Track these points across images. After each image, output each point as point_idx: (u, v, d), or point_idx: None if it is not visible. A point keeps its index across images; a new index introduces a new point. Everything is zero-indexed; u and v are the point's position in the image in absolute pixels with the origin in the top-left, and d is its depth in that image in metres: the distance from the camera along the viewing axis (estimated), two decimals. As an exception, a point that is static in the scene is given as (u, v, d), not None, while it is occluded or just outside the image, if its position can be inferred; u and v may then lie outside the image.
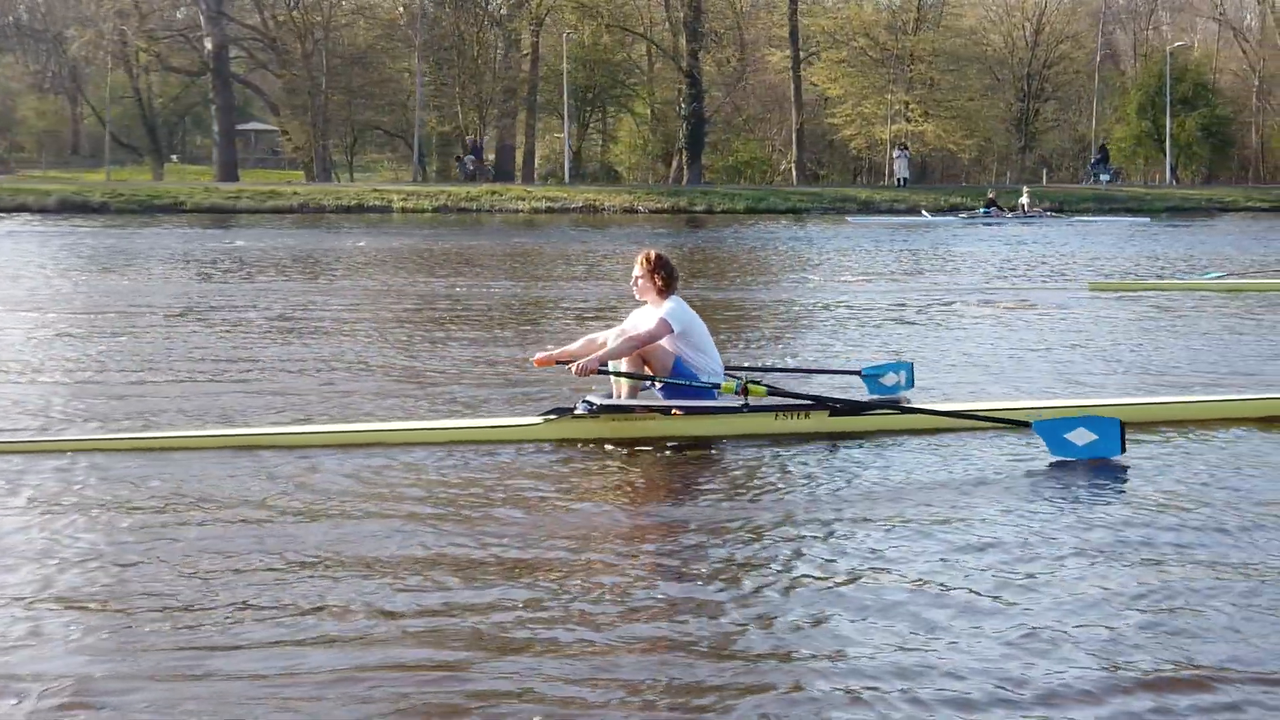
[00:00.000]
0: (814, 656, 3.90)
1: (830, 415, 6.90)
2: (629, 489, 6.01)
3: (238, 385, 8.66)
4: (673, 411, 6.85)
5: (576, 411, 6.77)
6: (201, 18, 50.66)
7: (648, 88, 58.01)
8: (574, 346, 7.16)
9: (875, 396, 7.49)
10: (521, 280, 17.52)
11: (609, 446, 6.65)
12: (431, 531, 5.13)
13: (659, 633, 4.08)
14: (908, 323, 12.53)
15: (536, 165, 59.44)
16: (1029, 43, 61.90)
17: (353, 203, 40.37)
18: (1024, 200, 35.04)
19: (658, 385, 6.91)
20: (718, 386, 6.79)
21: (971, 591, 4.45)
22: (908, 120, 52.96)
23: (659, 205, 42.34)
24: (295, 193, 41.11)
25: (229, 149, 51.68)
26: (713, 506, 5.61)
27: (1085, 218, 37.22)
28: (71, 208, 38.00)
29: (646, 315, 7.09)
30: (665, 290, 7.07)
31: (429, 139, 57.15)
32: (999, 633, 4.07)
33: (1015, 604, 4.32)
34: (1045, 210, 35.53)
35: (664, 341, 6.90)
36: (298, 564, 4.73)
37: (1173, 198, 47.03)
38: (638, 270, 7.14)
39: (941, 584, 4.52)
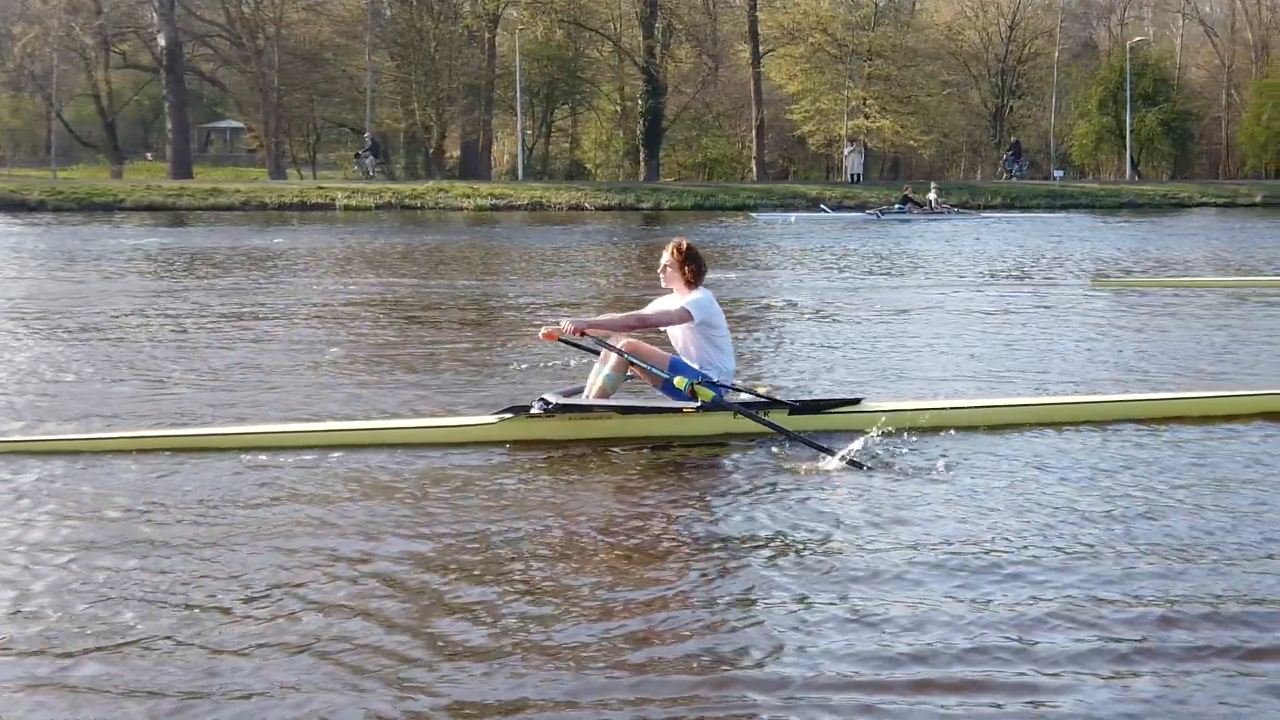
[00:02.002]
0: (775, 659, 3.88)
1: (789, 414, 6.81)
2: (584, 491, 5.84)
3: (149, 387, 8.37)
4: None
5: (533, 410, 6.60)
6: (154, 14, 50.27)
7: (612, 84, 57.69)
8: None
9: (834, 396, 7.44)
10: (448, 279, 17.22)
11: (565, 447, 6.50)
12: (370, 536, 5.01)
13: (608, 639, 4.01)
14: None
15: (505, 163, 59.18)
16: (1004, 38, 61.77)
17: (295, 200, 40.06)
18: (932, 197, 34.80)
19: (653, 380, 6.76)
20: (727, 388, 6.75)
21: (933, 586, 4.48)
22: (866, 117, 52.67)
23: (606, 202, 42.07)
24: (238, 190, 40.80)
25: (183, 146, 51.30)
26: (671, 507, 5.52)
27: (992, 214, 37.14)
28: (7, 206, 37.64)
29: (670, 302, 7.07)
30: (693, 281, 7.06)
31: (395, 136, 56.86)
32: (965, 627, 4.10)
33: (980, 598, 4.37)
34: (952, 207, 35.43)
35: (685, 329, 6.90)
36: (220, 571, 4.63)
37: (1127, 194, 46.79)
38: (667, 258, 7.08)
39: (900, 577, 4.57)
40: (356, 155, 49.97)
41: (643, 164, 53.84)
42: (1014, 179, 48.03)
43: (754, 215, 36.20)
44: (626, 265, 20.31)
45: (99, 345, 10.39)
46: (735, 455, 6.44)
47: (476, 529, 5.15)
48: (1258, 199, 46.66)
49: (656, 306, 7.16)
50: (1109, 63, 56.25)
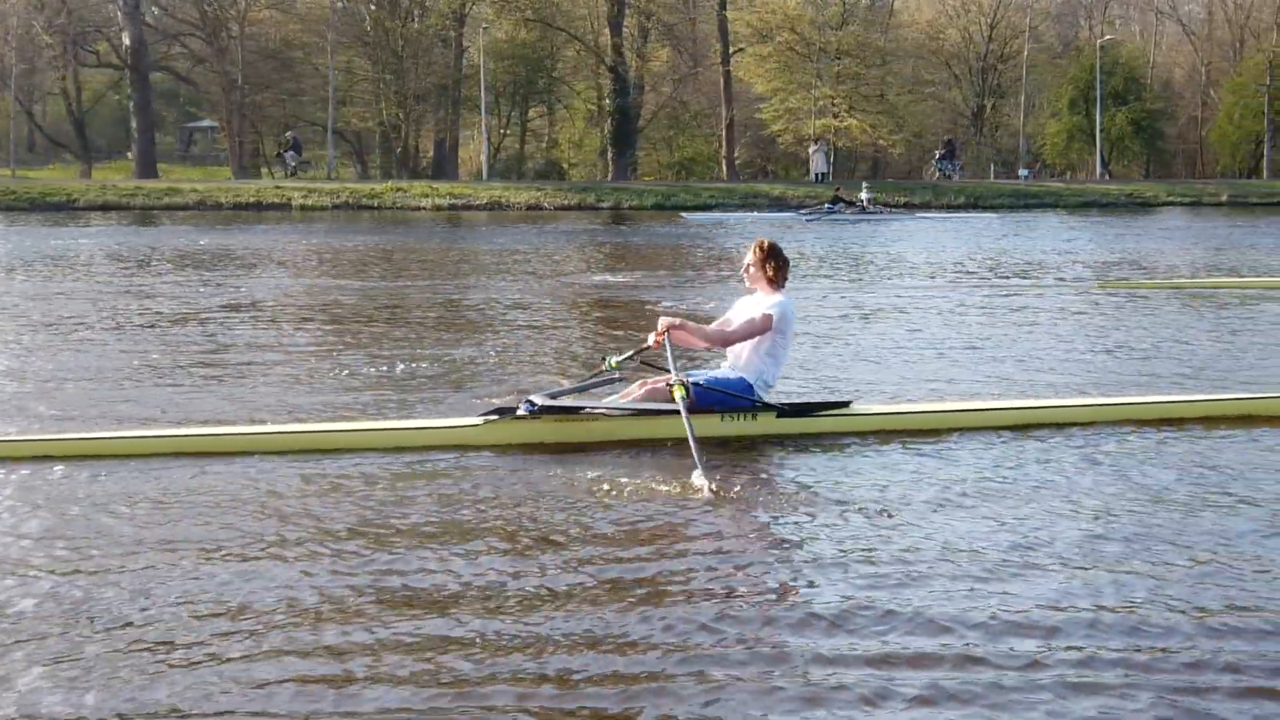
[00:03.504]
0: (765, 659, 3.91)
1: (778, 417, 6.80)
2: (568, 494, 5.74)
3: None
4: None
5: (519, 412, 6.55)
6: (118, 12, 49.99)
7: (585, 84, 57.43)
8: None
9: (823, 399, 7.44)
10: (388, 280, 17.01)
11: (551, 449, 6.44)
12: (351, 541, 4.97)
13: (594, 645, 4.00)
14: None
15: (480, 162, 58.82)
16: (985, 37, 61.56)
17: (252, 200, 39.79)
18: (864, 197, 34.56)
19: (692, 379, 6.65)
20: (757, 403, 6.75)
21: (922, 589, 4.50)
22: (835, 116, 52.45)
23: (565, 202, 41.84)
24: (194, 190, 40.54)
25: (147, 146, 50.97)
26: (654, 509, 5.47)
27: (926, 214, 36.97)
28: (-43, 205, 37.42)
29: (754, 304, 7.00)
30: (776, 280, 7.02)
31: (371, 136, 56.61)
32: (955, 630, 4.13)
33: (979, 599, 4.39)
34: (885, 207, 35.20)
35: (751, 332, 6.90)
36: (202, 575, 4.60)
37: (1092, 193, 46.54)
38: (750, 258, 7.05)
39: (885, 582, 4.57)
40: (279, 154, 49.34)
41: (610, 163, 53.61)
42: (949, 178, 47.81)
43: (684, 216, 35.94)
44: (550, 262, 20.11)
45: None
46: (723, 457, 6.37)
47: (461, 531, 5.13)
48: (1224, 198, 46.50)
49: (738, 310, 7.09)
50: (1079, 61, 56.01)
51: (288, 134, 49.43)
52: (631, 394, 6.90)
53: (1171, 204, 45.85)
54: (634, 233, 29.76)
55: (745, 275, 7.11)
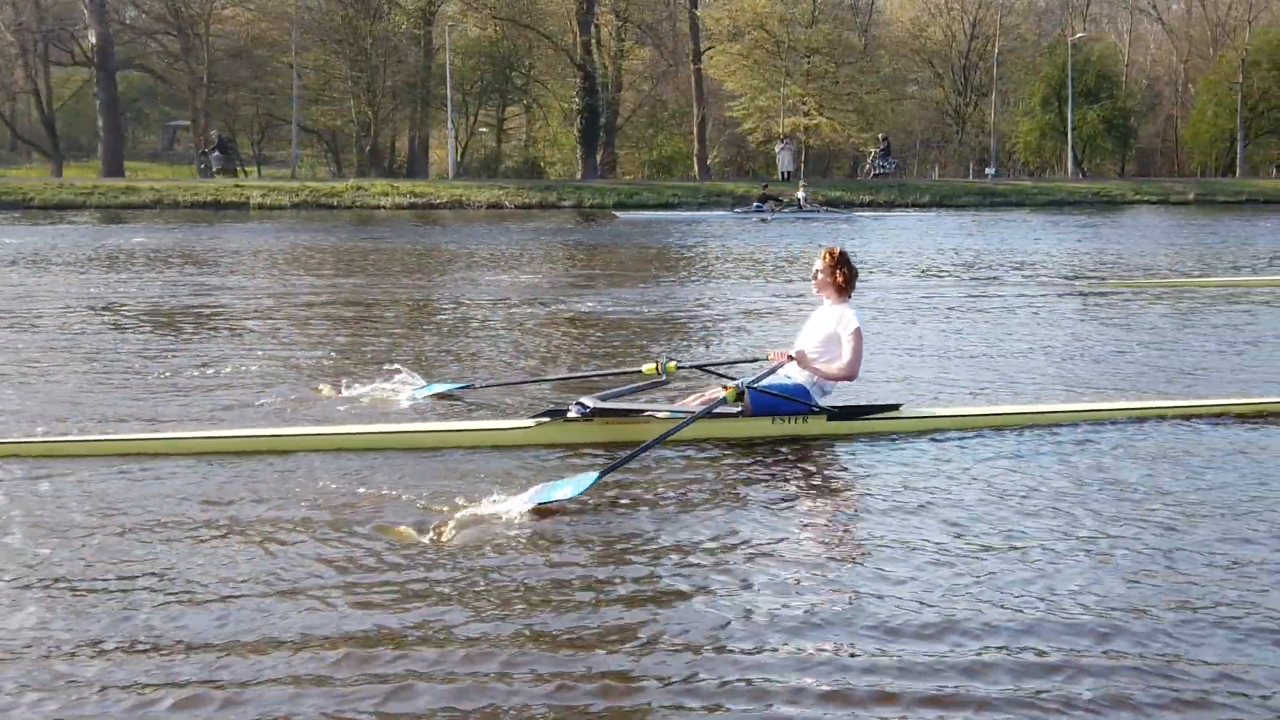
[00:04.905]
0: (832, 662, 3.88)
1: (828, 420, 6.85)
2: (621, 493, 5.68)
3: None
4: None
5: (569, 414, 6.64)
6: (85, 10, 49.77)
7: (557, 82, 57.23)
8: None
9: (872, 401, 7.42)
10: (330, 278, 16.84)
11: (602, 450, 6.42)
12: (410, 538, 4.98)
13: (662, 643, 3.99)
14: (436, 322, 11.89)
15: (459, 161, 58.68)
16: (967, 34, 61.41)
17: (210, 198, 39.60)
18: (801, 195, 34.36)
19: (750, 384, 6.69)
20: (811, 407, 6.81)
21: (967, 596, 4.43)
22: (806, 115, 52.30)
23: (526, 200, 41.66)
24: (152, 189, 40.35)
25: (114, 144, 50.71)
26: (713, 510, 5.44)
27: (867, 212, 36.83)
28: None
29: (829, 319, 6.98)
30: (845, 289, 7.03)
31: (348, 135, 56.37)
32: (1005, 633, 4.08)
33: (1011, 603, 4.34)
34: (821, 205, 35.00)
35: (824, 344, 6.94)
36: (283, 566, 4.65)
37: (1059, 191, 46.42)
38: (819, 264, 7.06)
39: (941, 584, 4.53)
40: (202, 153, 48.59)
41: (580, 162, 53.45)
42: (884, 175, 47.70)
43: (616, 214, 35.78)
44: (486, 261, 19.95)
45: None
46: (774, 458, 6.40)
47: (510, 531, 5.11)
48: (1190, 196, 46.38)
49: (815, 324, 7.06)
50: (1052, 59, 55.86)
51: (213, 133, 48.53)
52: (689, 403, 6.99)
53: (1139, 202, 45.73)
54: (568, 232, 29.57)
55: (813, 282, 7.14)
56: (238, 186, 41.51)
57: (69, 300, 13.92)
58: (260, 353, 9.89)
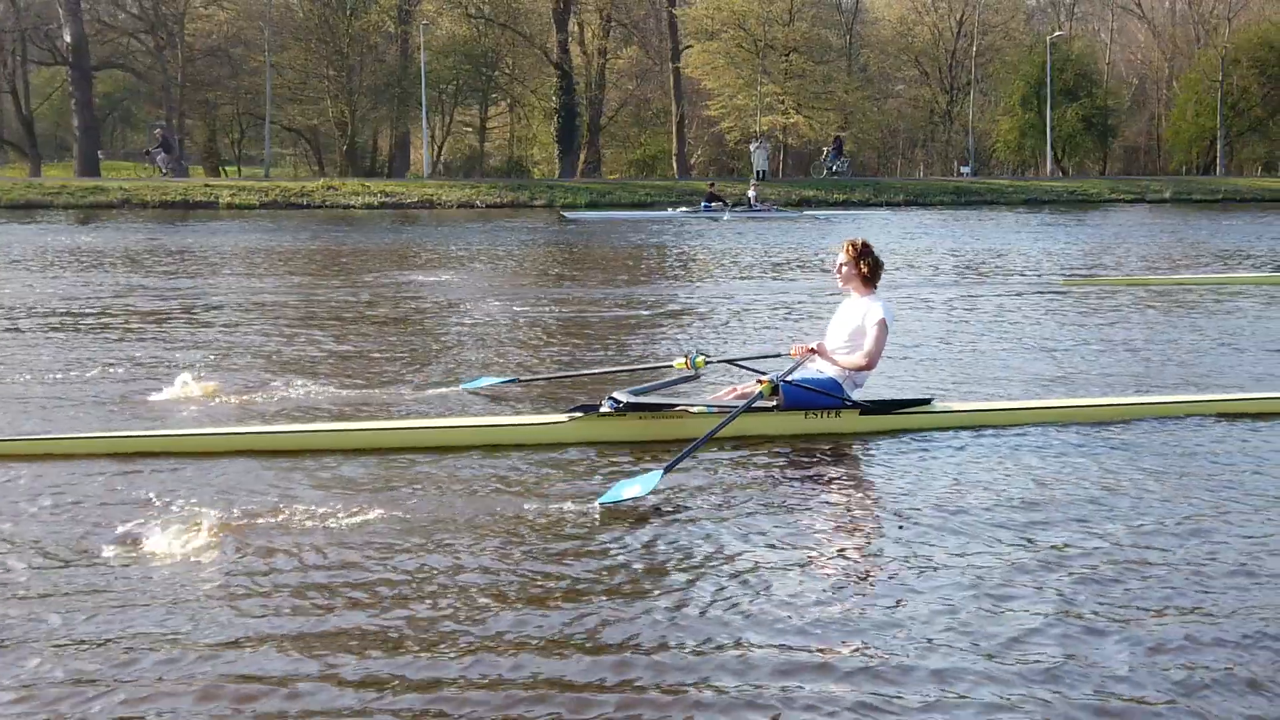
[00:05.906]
0: (869, 656, 3.88)
1: (861, 414, 6.83)
2: (661, 493, 5.67)
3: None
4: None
5: (602, 410, 6.66)
6: (60, 9, 49.57)
7: (537, 81, 57.04)
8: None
9: (904, 396, 7.42)
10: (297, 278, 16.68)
11: (635, 445, 6.47)
12: (449, 533, 5.06)
13: (706, 638, 4.02)
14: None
15: (440, 159, 58.51)
16: (954, 33, 61.26)
17: (178, 198, 39.40)
18: (751, 194, 34.21)
19: (783, 379, 6.66)
20: (844, 402, 6.78)
21: (1008, 591, 4.44)
22: (784, 114, 52.16)
23: (498, 200, 41.50)
24: (120, 189, 40.11)
25: (89, 143, 50.47)
26: (751, 508, 5.46)
27: (817, 211, 36.71)
28: None
29: (856, 311, 6.92)
30: (870, 280, 6.96)
31: (330, 134, 56.16)
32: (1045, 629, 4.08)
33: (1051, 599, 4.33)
34: (773, 206, 34.88)
35: (851, 338, 6.89)
36: (325, 558, 4.75)
37: (1034, 190, 46.28)
38: (842, 257, 6.99)
39: (970, 573, 4.57)
40: (146, 152, 47.75)
41: (558, 161, 53.30)
42: (834, 174, 47.58)
43: (564, 214, 35.61)
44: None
45: None
46: (809, 454, 6.41)
47: (543, 526, 5.16)
48: (1167, 195, 46.26)
49: (841, 317, 6.99)
50: (1031, 58, 55.73)
51: (156, 130, 47.41)
52: (722, 398, 6.97)
53: (1115, 201, 45.61)
54: (511, 231, 29.41)
55: (838, 275, 7.05)
56: (207, 186, 41.32)
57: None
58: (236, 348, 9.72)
